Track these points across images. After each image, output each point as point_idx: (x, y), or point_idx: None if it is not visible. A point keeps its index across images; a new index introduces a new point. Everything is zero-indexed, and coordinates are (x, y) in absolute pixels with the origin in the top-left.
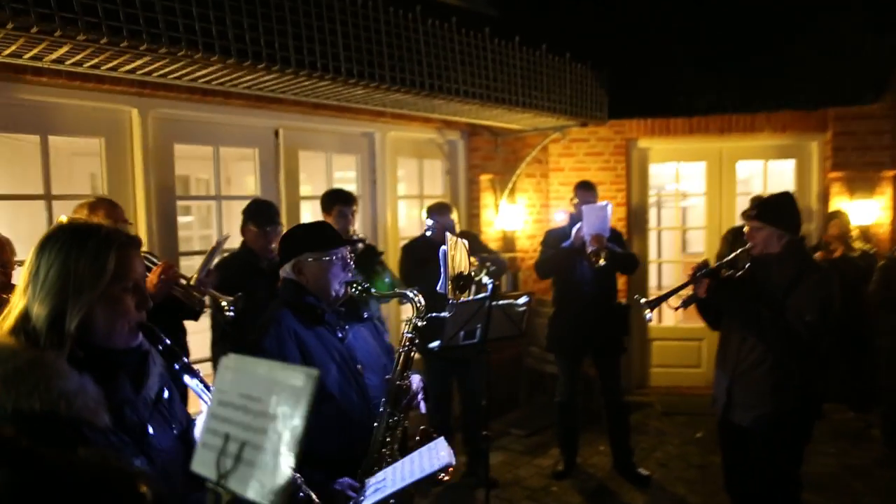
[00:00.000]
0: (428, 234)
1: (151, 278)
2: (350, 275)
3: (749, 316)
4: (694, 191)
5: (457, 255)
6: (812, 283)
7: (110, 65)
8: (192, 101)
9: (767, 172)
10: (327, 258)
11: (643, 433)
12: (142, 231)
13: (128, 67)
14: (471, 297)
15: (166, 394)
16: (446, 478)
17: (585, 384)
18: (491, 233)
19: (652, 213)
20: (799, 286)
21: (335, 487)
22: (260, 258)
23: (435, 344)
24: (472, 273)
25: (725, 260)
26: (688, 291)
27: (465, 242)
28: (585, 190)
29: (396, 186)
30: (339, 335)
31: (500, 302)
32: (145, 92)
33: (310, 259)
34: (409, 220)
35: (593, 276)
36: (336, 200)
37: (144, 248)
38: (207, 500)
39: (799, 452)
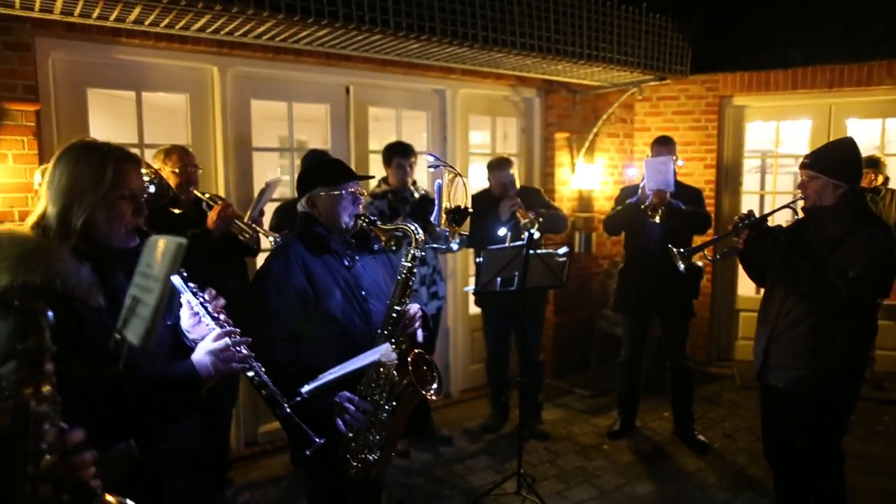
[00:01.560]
0: (486, 187)
1: (212, 216)
2: (360, 208)
3: (786, 269)
4: (797, 152)
5: (454, 189)
6: (862, 238)
7: (191, 26)
8: (266, 59)
9: (885, 132)
10: (337, 192)
11: (715, 404)
12: (220, 179)
13: (203, 26)
14: (507, 245)
15: (185, 295)
16: (433, 397)
17: (658, 348)
18: (566, 192)
19: (754, 178)
20: (848, 241)
21: (335, 399)
22: None
23: (470, 287)
24: (526, 224)
25: (772, 210)
26: (730, 244)
27: (467, 180)
28: (660, 145)
29: (467, 143)
30: (346, 263)
31: (539, 251)
32: (223, 51)
33: (322, 193)
34: (483, 177)
35: (662, 234)
36: (394, 153)
37: (219, 194)
38: (111, 344)
39: (839, 422)
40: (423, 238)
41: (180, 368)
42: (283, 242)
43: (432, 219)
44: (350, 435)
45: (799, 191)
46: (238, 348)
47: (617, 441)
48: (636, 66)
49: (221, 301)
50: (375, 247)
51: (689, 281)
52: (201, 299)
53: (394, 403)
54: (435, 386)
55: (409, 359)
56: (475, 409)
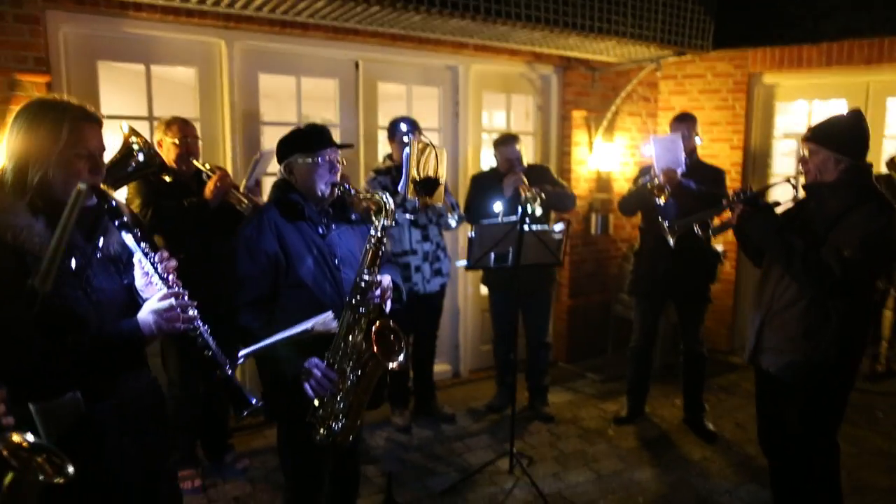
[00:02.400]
0: (493, 165)
1: (209, 186)
2: (336, 177)
3: (780, 246)
4: None
5: (425, 160)
6: (861, 215)
7: None
8: (273, 33)
9: None
10: (314, 159)
11: (732, 393)
12: (227, 152)
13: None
14: (500, 220)
15: (116, 251)
16: (394, 366)
17: (675, 334)
18: (583, 172)
19: (787, 161)
20: (847, 218)
21: (305, 365)
22: None
23: (462, 263)
24: (527, 199)
25: (768, 185)
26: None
27: (442, 151)
28: (678, 121)
29: (480, 120)
30: (321, 231)
31: (534, 227)
32: (230, 25)
33: (299, 160)
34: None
35: (677, 215)
36: (398, 129)
37: (224, 166)
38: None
39: (833, 411)
40: (393, 209)
41: (125, 325)
42: (259, 208)
43: (399, 188)
44: (316, 402)
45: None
46: (183, 310)
47: (623, 427)
48: (652, 41)
49: (172, 263)
50: (353, 216)
51: (706, 264)
52: (152, 260)
53: (358, 373)
54: (400, 358)
55: (374, 329)
56: (483, 389)
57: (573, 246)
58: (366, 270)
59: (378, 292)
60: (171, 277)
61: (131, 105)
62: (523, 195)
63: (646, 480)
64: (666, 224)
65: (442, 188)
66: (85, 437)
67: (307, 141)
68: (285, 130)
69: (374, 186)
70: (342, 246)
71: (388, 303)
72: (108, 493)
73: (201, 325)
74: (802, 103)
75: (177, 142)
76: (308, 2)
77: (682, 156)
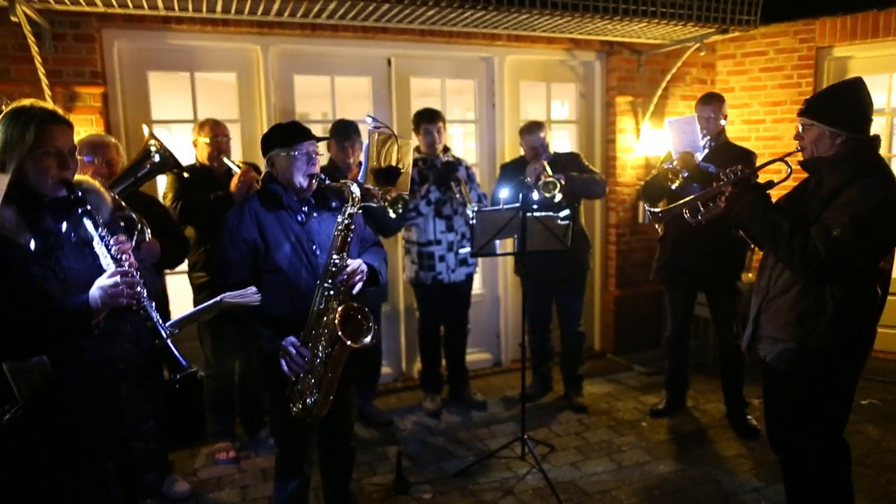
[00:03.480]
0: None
1: (234, 180)
2: (314, 168)
3: (766, 227)
4: None
5: (386, 150)
6: (855, 191)
7: (230, 8)
8: (305, 36)
9: None
10: (292, 153)
11: None
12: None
13: (239, 8)
14: (502, 207)
15: (90, 236)
16: (358, 346)
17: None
18: (629, 159)
19: None
20: (842, 194)
21: (281, 343)
22: (340, 169)
23: (465, 250)
24: (547, 185)
25: (761, 164)
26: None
27: (406, 143)
28: (703, 103)
29: (518, 110)
30: (300, 219)
31: (538, 213)
32: (264, 31)
33: (280, 154)
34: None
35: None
36: (421, 119)
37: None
38: None
39: (834, 405)
40: (359, 198)
41: (77, 299)
42: (243, 199)
43: (359, 178)
44: (293, 378)
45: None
46: (128, 286)
47: (658, 419)
48: (689, 19)
49: (126, 245)
50: (333, 204)
51: (732, 252)
52: (106, 243)
53: (329, 351)
54: (366, 340)
55: (339, 312)
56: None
57: (620, 235)
58: (335, 255)
59: (345, 276)
60: (123, 258)
61: (180, 109)
62: (542, 180)
63: (668, 473)
64: (647, 209)
65: (407, 177)
66: (53, 398)
67: (286, 136)
68: (320, 128)
69: None
70: (322, 233)
71: (359, 285)
72: (76, 450)
73: (146, 300)
74: (881, 78)
75: (208, 141)
76: (336, 4)
77: (700, 138)
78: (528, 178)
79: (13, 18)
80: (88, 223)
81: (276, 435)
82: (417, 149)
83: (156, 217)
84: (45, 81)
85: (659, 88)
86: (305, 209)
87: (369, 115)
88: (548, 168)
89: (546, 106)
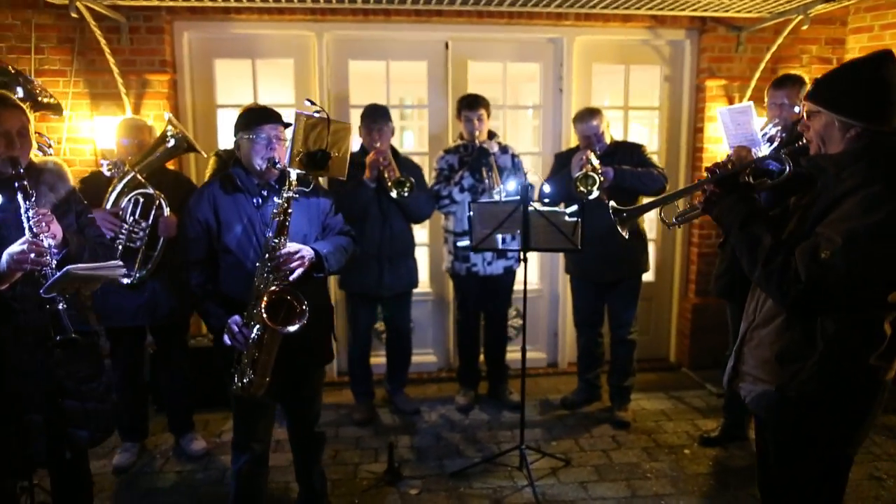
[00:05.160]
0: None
1: None
2: (273, 153)
3: (742, 241)
4: None
5: (317, 134)
6: (857, 201)
7: None
8: (357, 22)
9: None
10: (252, 136)
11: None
12: None
13: None
14: (501, 199)
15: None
16: (284, 330)
17: None
18: (719, 151)
19: None
20: (844, 203)
21: (228, 321)
22: (368, 153)
23: (465, 243)
24: (579, 180)
25: (754, 160)
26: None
27: (341, 126)
28: (776, 88)
29: (589, 96)
30: (256, 202)
31: (540, 208)
32: (317, 17)
33: (244, 137)
34: (614, 133)
35: (767, 200)
36: (460, 106)
37: None
38: None
39: (821, 471)
40: (295, 182)
41: None
42: (206, 182)
43: (286, 162)
44: (236, 356)
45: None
46: (36, 254)
47: (706, 448)
48: None
49: (46, 219)
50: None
51: None
52: (27, 215)
53: (259, 334)
54: (291, 328)
55: (266, 295)
56: (575, 383)
57: (704, 237)
58: (273, 239)
59: (281, 259)
60: (40, 228)
61: (244, 94)
62: (580, 174)
63: None
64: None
65: (343, 162)
66: None
67: (248, 119)
68: None
69: (441, 165)
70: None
71: (298, 270)
72: (3, 401)
73: (50, 269)
74: None
75: None
76: None
77: (756, 130)
78: (573, 170)
79: (73, 14)
80: (19, 197)
81: (232, 406)
82: (461, 135)
83: (183, 195)
84: (115, 70)
85: (758, 70)
86: (265, 193)
87: (307, 100)
88: (593, 160)
89: (623, 91)
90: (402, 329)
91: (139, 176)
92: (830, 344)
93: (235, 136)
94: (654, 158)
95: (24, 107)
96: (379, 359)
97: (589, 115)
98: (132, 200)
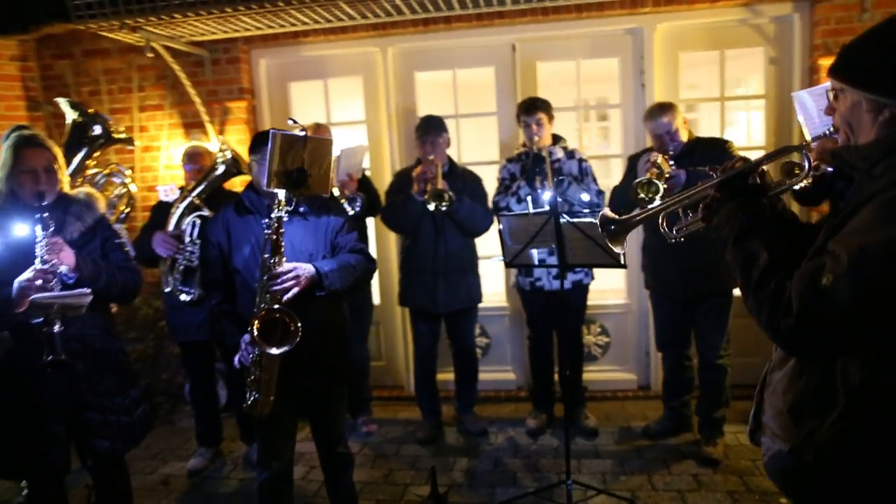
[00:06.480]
0: None
1: None
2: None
3: (737, 257)
4: None
5: (294, 153)
6: (873, 210)
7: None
8: (419, 32)
9: None
10: (258, 158)
11: None
12: (385, 148)
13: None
14: (528, 212)
15: (72, 237)
16: (274, 352)
17: None
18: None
19: None
20: (861, 213)
21: (241, 339)
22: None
23: (496, 258)
24: (641, 186)
25: (763, 158)
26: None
27: (321, 142)
28: None
29: (676, 88)
30: (265, 223)
31: (574, 220)
32: (380, 32)
33: (253, 160)
34: (710, 128)
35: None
36: (518, 111)
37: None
38: None
39: None
40: (283, 201)
41: (4, 291)
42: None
43: (263, 182)
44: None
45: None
46: (45, 280)
47: None
48: None
49: (57, 247)
50: (301, 209)
51: None
52: (40, 244)
53: (257, 354)
54: (276, 349)
55: (258, 316)
56: None
57: None
58: (268, 259)
59: (277, 280)
60: (48, 257)
61: (317, 113)
62: (642, 179)
63: None
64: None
65: (325, 177)
66: (12, 364)
67: (255, 143)
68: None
69: (503, 174)
70: (284, 237)
71: (293, 290)
72: (28, 411)
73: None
74: None
75: None
76: None
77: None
78: (639, 173)
79: (148, 55)
80: (37, 227)
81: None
82: (524, 143)
83: None
84: (197, 101)
85: None
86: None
87: (290, 119)
88: (661, 162)
89: (719, 79)
90: (467, 346)
91: (196, 200)
92: (855, 397)
93: (250, 160)
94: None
95: (51, 145)
96: (451, 375)
97: (659, 111)
98: (191, 223)
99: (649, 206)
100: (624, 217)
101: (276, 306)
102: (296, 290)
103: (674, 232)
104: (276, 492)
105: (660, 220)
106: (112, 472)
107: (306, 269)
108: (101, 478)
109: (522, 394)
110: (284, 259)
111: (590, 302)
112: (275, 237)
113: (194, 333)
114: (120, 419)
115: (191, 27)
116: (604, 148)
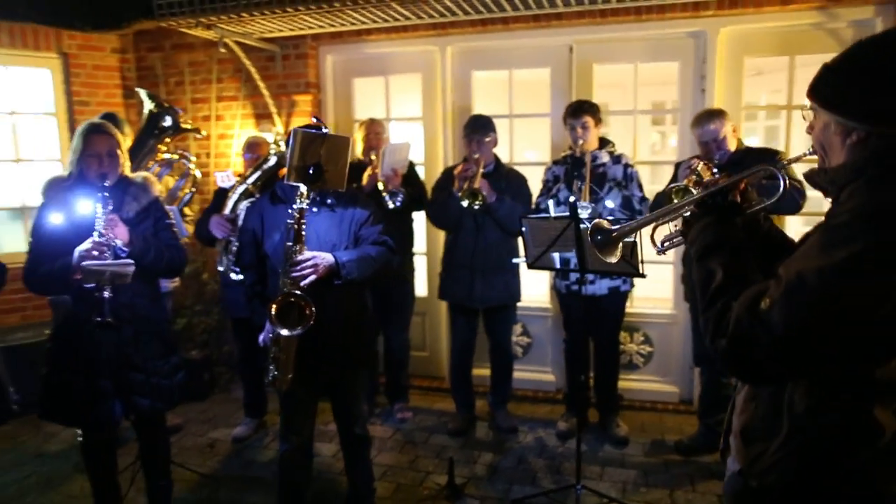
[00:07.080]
0: None
1: (365, 175)
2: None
3: (698, 276)
4: None
5: (314, 149)
6: (819, 234)
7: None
8: (476, 32)
9: None
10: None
11: None
12: (440, 145)
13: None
14: (550, 215)
15: (128, 216)
16: (285, 334)
17: None
18: None
19: None
20: (813, 235)
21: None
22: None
23: (518, 260)
24: (674, 194)
25: (741, 175)
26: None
27: (338, 139)
28: None
29: (740, 95)
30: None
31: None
32: (439, 32)
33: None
34: (768, 137)
35: None
36: (565, 114)
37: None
38: None
39: None
40: (305, 194)
41: (67, 258)
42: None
43: (286, 180)
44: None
45: None
46: (100, 252)
47: None
48: None
49: (113, 223)
50: (329, 201)
51: None
52: (99, 219)
53: (274, 334)
54: (288, 331)
55: (277, 300)
56: None
57: None
58: (291, 247)
59: (297, 266)
60: (105, 229)
61: (379, 109)
62: (677, 185)
63: None
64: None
65: (338, 174)
66: (70, 327)
67: (288, 136)
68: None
69: (548, 176)
70: (309, 227)
71: (311, 277)
72: (81, 367)
73: (109, 264)
74: None
75: (362, 137)
76: None
77: None
78: (680, 179)
79: (221, 50)
80: (98, 205)
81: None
82: (570, 146)
83: None
84: (266, 94)
85: None
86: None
87: (314, 117)
88: (701, 170)
89: (787, 86)
90: (503, 343)
91: (251, 187)
92: (798, 424)
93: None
94: (794, 169)
95: (114, 132)
96: (488, 370)
97: (707, 117)
98: (245, 208)
99: (638, 218)
100: (609, 228)
101: (295, 291)
102: (313, 277)
103: (659, 246)
104: (295, 464)
105: (650, 232)
106: (152, 430)
107: (325, 258)
108: (142, 434)
109: (559, 396)
110: (305, 248)
111: (634, 310)
112: (296, 227)
113: (243, 310)
114: (160, 382)
115: (259, 25)
116: (659, 153)
